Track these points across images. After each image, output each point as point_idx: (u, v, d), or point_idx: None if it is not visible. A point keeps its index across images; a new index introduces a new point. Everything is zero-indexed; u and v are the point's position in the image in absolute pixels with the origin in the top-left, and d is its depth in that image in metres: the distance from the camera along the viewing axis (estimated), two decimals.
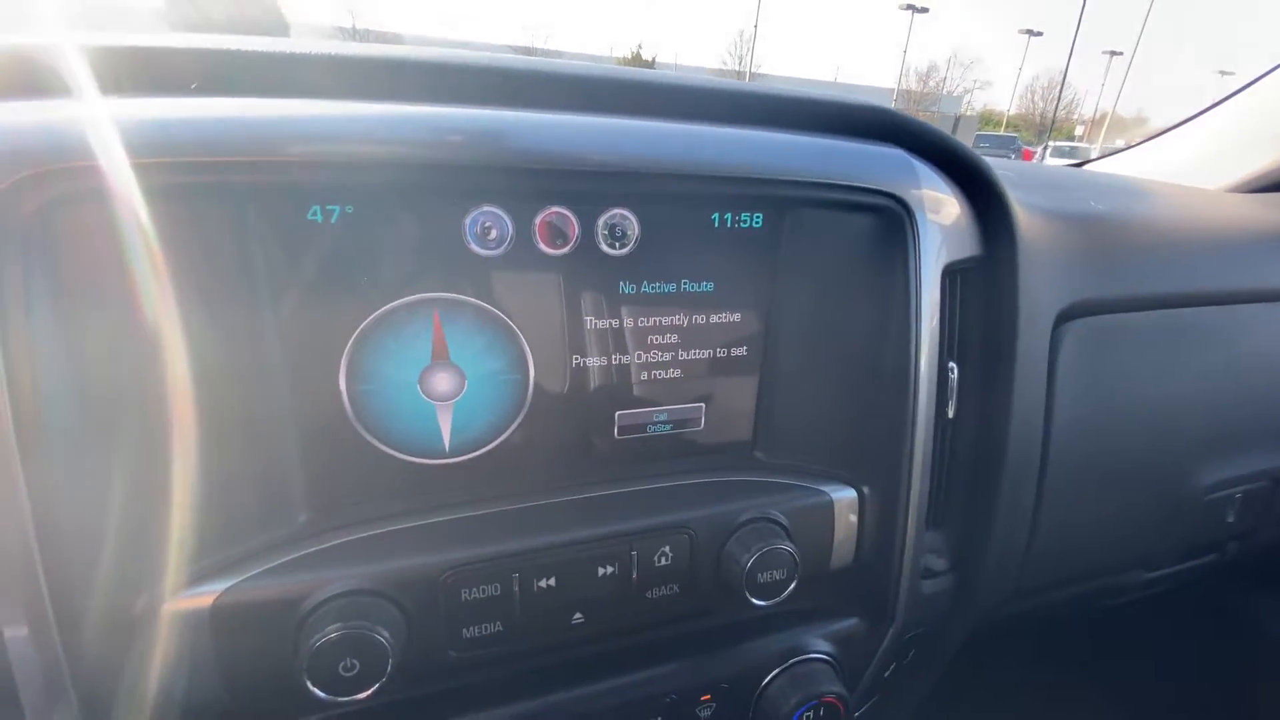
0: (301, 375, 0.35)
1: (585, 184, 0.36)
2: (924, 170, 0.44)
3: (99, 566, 0.30)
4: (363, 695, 0.32)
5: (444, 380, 0.38)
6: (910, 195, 0.43)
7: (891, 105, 0.49)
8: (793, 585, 0.40)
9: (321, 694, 0.32)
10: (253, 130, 0.29)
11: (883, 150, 0.43)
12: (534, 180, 0.35)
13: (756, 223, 0.42)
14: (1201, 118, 0.98)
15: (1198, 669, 0.97)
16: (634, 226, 0.39)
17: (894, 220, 0.43)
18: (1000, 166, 0.57)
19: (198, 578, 0.32)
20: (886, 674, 0.51)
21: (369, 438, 0.37)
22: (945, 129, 0.50)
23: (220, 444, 0.33)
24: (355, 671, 0.32)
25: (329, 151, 0.30)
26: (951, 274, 0.47)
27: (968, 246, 0.47)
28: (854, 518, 0.45)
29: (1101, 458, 0.60)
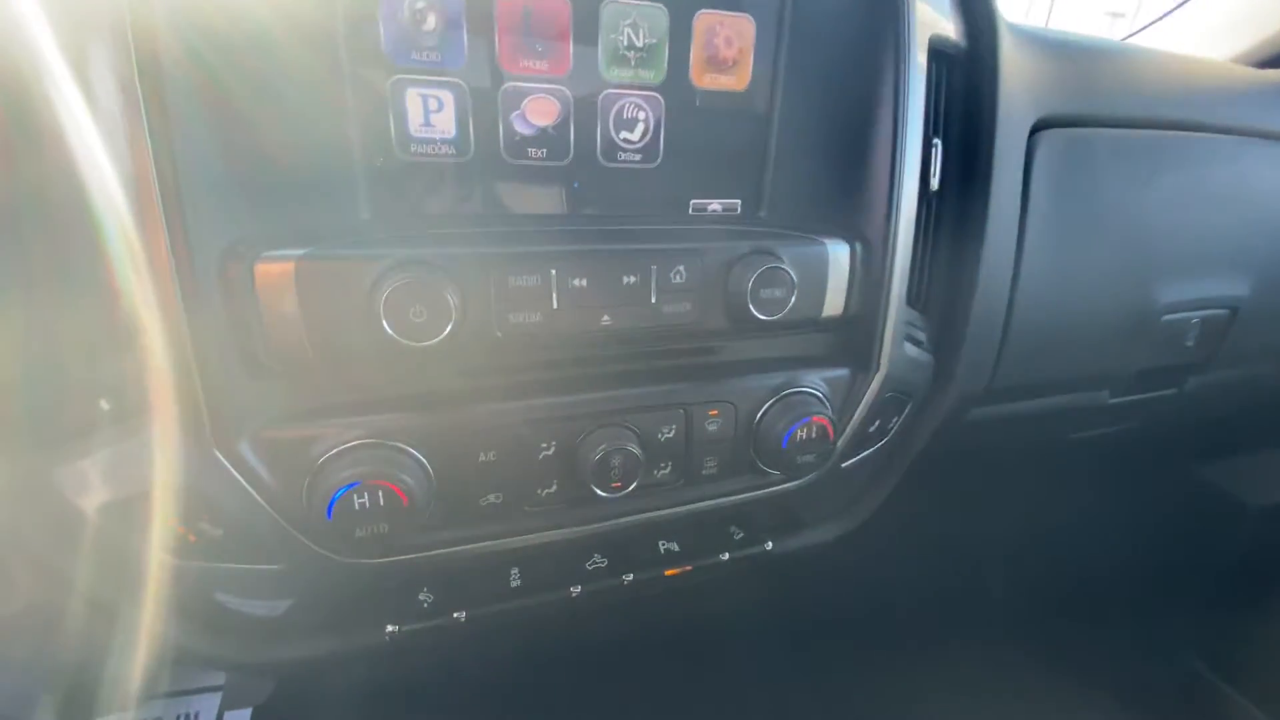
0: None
1: None
2: None
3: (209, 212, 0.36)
4: (431, 341, 0.38)
5: None
6: None
7: None
8: (792, 302, 0.46)
9: (394, 334, 0.38)
10: None
11: None
12: None
13: None
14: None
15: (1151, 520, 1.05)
16: None
17: None
18: None
19: (282, 244, 0.38)
20: (871, 429, 0.57)
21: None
22: None
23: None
24: (424, 319, 0.38)
25: None
26: (937, 56, 0.52)
27: (952, 30, 0.52)
28: (846, 268, 0.51)
29: (1070, 266, 0.66)
